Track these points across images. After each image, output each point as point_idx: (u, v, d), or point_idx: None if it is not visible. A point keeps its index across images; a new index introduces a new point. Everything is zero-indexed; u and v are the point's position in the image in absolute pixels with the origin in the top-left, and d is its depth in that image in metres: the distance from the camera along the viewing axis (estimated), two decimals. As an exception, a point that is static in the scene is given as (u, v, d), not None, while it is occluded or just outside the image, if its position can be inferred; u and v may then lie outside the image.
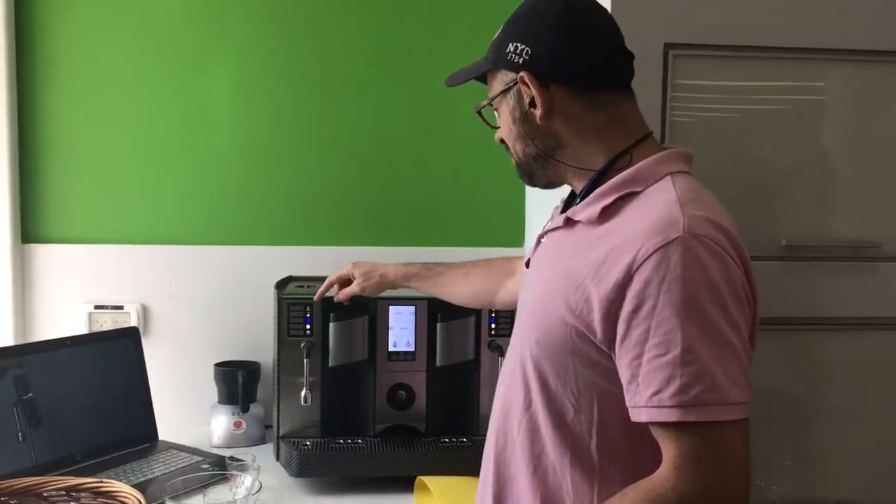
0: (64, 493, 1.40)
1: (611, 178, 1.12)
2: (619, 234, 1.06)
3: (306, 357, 1.70)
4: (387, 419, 1.77)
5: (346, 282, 1.72)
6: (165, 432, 1.90)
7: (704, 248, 1.01)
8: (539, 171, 1.21)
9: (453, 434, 1.78)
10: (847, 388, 1.55)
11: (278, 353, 1.75)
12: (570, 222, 1.16)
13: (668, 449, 1.00)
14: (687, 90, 1.48)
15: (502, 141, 1.24)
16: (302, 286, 1.85)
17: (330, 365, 1.74)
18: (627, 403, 1.03)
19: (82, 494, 1.40)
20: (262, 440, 1.95)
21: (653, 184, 1.10)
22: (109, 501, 1.38)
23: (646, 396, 1.00)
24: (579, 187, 1.18)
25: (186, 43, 2.04)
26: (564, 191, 1.26)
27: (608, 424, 1.09)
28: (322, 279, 1.87)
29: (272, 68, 2.07)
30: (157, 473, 1.71)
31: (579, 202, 1.15)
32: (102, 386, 1.83)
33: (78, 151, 2.03)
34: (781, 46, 1.48)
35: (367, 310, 1.76)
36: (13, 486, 1.38)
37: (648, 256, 1.01)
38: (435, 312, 1.77)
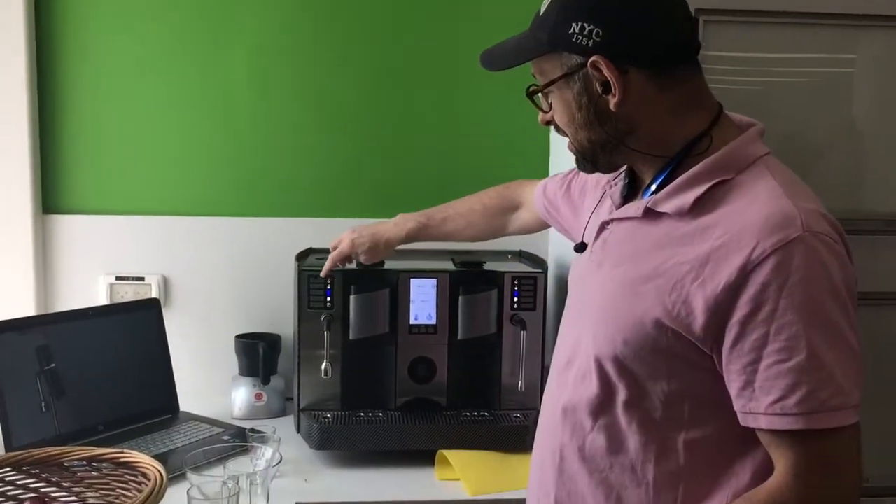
0: (85, 462, 1.40)
1: (692, 163, 1.05)
2: (722, 229, 0.99)
3: (326, 330, 1.69)
4: (408, 392, 1.76)
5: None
6: (186, 404, 1.90)
7: (825, 248, 0.96)
8: (605, 159, 1.12)
9: (475, 408, 1.76)
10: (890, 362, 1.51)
11: (299, 326, 1.73)
12: (650, 213, 1.08)
13: (786, 456, 0.97)
14: (717, 62, 1.45)
15: (548, 123, 1.15)
16: (322, 258, 1.82)
17: (350, 338, 1.72)
18: (739, 409, 0.99)
19: (103, 465, 1.40)
20: (282, 412, 1.95)
21: (745, 169, 1.03)
22: (130, 472, 1.38)
23: (765, 403, 0.96)
24: (649, 173, 1.11)
25: (208, 12, 2.01)
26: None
27: (698, 423, 1.06)
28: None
29: (294, 40, 2.04)
30: (178, 444, 1.71)
31: (656, 190, 1.07)
32: (124, 357, 1.83)
33: (99, 122, 2.02)
34: (813, 12, 1.43)
35: (389, 282, 1.74)
36: (34, 455, 1.38)
37: (766, 257, 0.95)
38: (457, 285, 1.74)
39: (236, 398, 1.94)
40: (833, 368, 0.94)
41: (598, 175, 1.27)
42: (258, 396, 1.93)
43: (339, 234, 2.00)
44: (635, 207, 1.10)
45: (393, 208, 2.03)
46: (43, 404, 1.69)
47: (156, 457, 1.61)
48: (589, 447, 1.11)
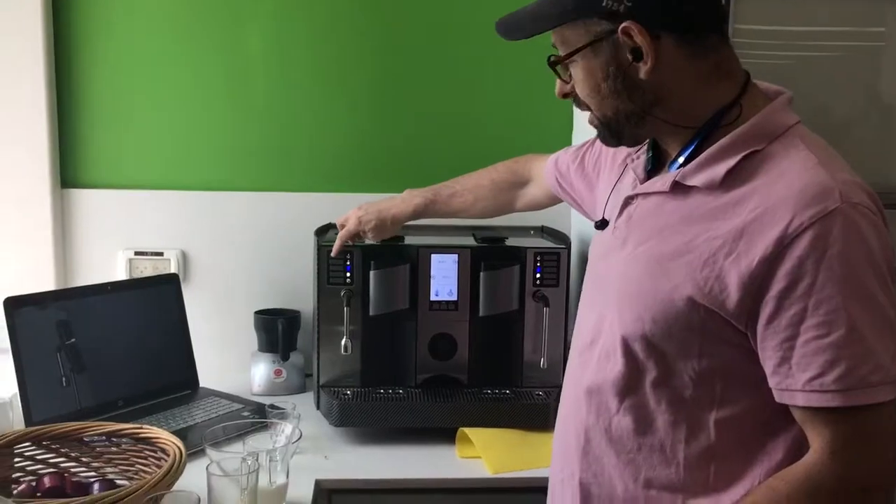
0: (104, 438, 1.40)
1: (720, 135, 1.01)
2: (755, 202, 0.96)
3: (346, 305, 1.66)
4: (428, 369, 1.74)
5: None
6: (206, 379, 1.89)
7: (863, 219, 0.93)
8: (630, 131, 1.07)
9: (496, 385, 1.74)
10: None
11: (318, 302, 1.72)
12: (678, 187, 1.04)
13: (823, 433, 0.94)
14: (745, 35, 1.41)
15: (566, 96, 1.09)
16: (342, 233, 1.81)
17: (370, 314, 1.70)
18: (774, 386, 0.97)
19: (122, 440, 1.40)
20: (302, 389, 1.94)
21: (776, 139, 1.00)
22: (149, 448, 1.37)
23: (802, 380, 0.93)
24: (675, 146, 1.07)
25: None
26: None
27: (730, 401, 1.03)
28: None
29: (313, 14, 2.01)
30: (198, 420, 1.70)
31: (683, 163, 1.04)
32: (143, 332, 1.82)
33: (118, 96, 2.00)
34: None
35: (409, 258, 1.71)
36: (54, 430, 1.38)
37: (803, 230, 0.92)
38: (478, 261, 1.71)
39: (255, 374, 1.93)
40: (873, 343, 0.92)
41: (615, 148, 1.24)
42: (277, 373, 1.92)
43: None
44: (662, 182, 1.07)
45: (413, 183, 2.01)
46: (63, 379, 1.68)
47: (175, 432, 1.60)
48: (616, 428, 1.09)
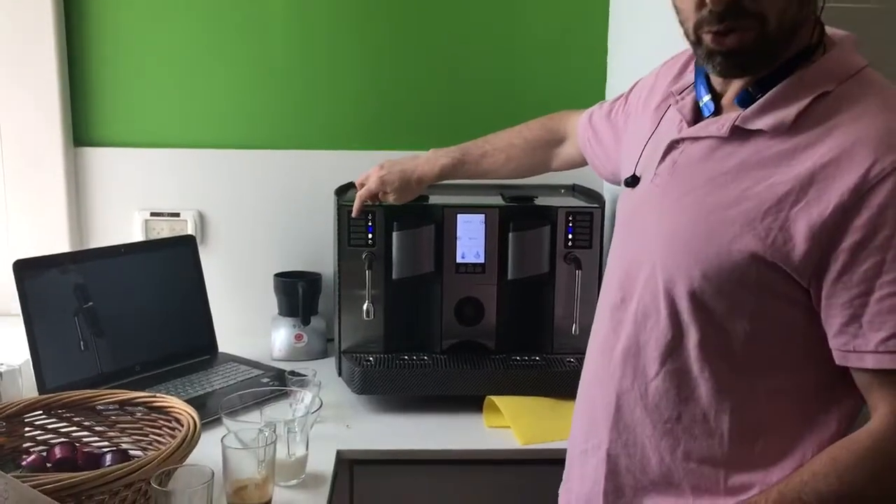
0: (117, 406, 1.34)
1: (783, 75, 0.93)
2: (828, 146, 0.88)
3: (368, 268, 1.59)
4: (454, 335, 1.66)
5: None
6: (225, 344, 1.83)
7: None
8: (770, 52, 0.93)
9: (525, 352, 1.66)
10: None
11: (339, 264, 1.64)
12: (736, 131, 0.95)
13: (891, 399, 0.87)
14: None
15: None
16: (364, 193, 1.73)
17: (394, 277, 1.63)
18: (839, 347, 0.89)
19: (136, 409, 1.34)
20: (323, 354, 1.87)
21: (846, 81, 0.91)
22: (163, 417, 1.31)
23: (875, 340, 0.86)
24: (734, 86, 0.98)
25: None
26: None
27: (783, 367, 0.95)
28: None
29: (331, -43, 1.91)
30: (217, 387, 1.65)
31: (741, 102, 0.95)
32: (160, 296, 1.76)
33: (133, 51, 1.92)
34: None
35: (434, 218, 1.63)
36: (65, 398, 1.33)
37: (885, 176, 0.84)
38: (507, 221, 1.63)
39: (276, 339, 1.87)
40: None
41: (646, 96, 1.17)
42: (298, 337, 1.86)
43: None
44: (718, 125, 0.98)
45: (438, 140, 1.92)
46: (82, 343, 1.63)
47: (192, 399, 1.56)
48: (653, 394, 1.01)
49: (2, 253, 1.84)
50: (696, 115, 1.03)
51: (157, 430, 1.32)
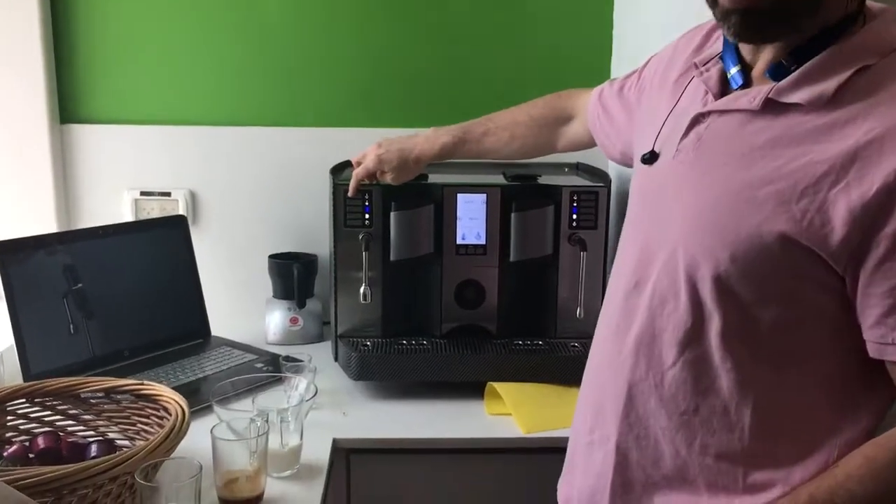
0: (103, 394, 1.29)
1: (819, 48, 0.87)
2: (871, 122, 0.82)
3: (365, 250, 1.53)
4: (454, 319, 1.61)
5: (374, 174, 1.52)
6: (218, 328, 1.78)
7: None
8: (790, 15, 0.87)
9: (528, 336, 1.61)
10: None
11: (334, 246, 1.58)
12: (769, 104, 0.89)
13: None
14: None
15: None
16: (361, 171, 1.67)
17: (391, 259, 1.57)
18: (875, 339, 0.84)
19: (122, 396, 1.29)
20: (319, 338, 1.82)
21: (889, 54, 0.85)
22: (151, 405, 1.26)
23: None
24: (765, 56, 0.92)
25: None
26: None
27: (811, 358, 0.89)
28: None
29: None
30: (209, 372, 1.59)
31: (772, 75, 0.89)
32: (150, 278, 1.70)
33: (122, 24, 1.84)
34: None
35: (433, 198, 1.57)
36: (49, 386, 1.27)
37: None
38: (509, 201, 1.57)
39: (270, 322, 1.81)
40: None
41: (663, 70, 1.10)
42: (293, 321, 1.80)
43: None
44: (749, 98, 0.91)
45: (439, 116, 1.86)
46: (72, 326, 1.57)
47: (183, 385, 1.51)
48: (669, 384, 0.95)
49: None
50: (724, 88, 0.97)
51: (145, 419, 1.27)
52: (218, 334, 1.77)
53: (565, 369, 1.54)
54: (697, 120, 0.97)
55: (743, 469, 0.92)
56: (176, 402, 1.20)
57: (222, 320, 1.80)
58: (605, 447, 1.02)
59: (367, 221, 1.56)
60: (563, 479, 1.15)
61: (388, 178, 1.50)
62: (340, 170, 1.67)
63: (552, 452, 1.40)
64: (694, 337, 0.93)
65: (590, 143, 1.44)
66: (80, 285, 1.60)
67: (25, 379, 1.46)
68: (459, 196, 1.56)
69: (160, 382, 1.50)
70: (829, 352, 0.89)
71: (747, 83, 0.94)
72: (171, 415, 1.17)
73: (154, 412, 1.25)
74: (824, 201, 0.82)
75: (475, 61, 1.91)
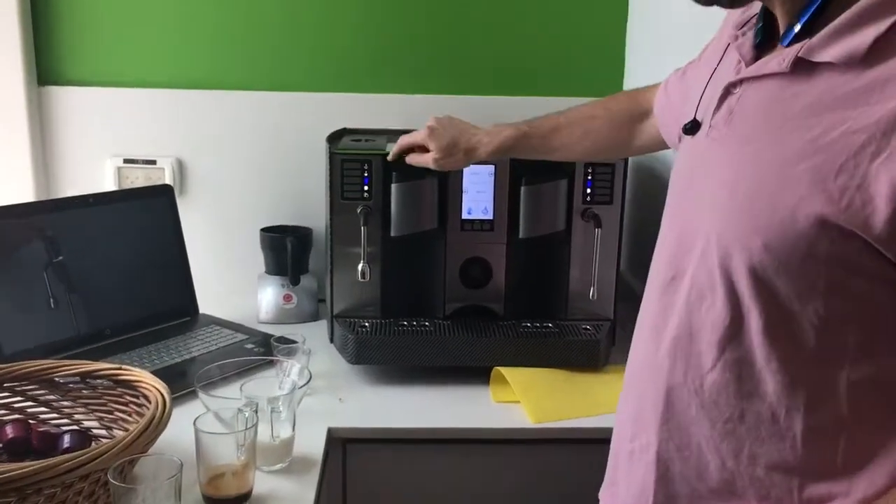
0: (79, 378, 1.19)
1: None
2: None
3: (364, 224, 1.42)
4: (459, 298, 1.51)
5: (422, 147, 1.36)
6: (207, 305, 1.67)
7: None
8: None
9: (537, 318, 1.50)
10: None
11: (331, 219, 1.47)
12: (802, 66, 0.78)
13: None
14: None
15: None
16: (358, 140, 1.56)
17: (392, 234, 1.46)
18: None
19: (98, 382, 1.18)
20: (314, 316, 1.72)
21: None
22: (129, 392, 1.16)
23: None
24: (790, 11, 0.81)
25: None
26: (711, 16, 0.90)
27: (867, 357, 0.78)
28: (382, 132, 1.58)
29: None
30: (195, 353, 1.49)
31: (803, 33, 0.78)
32: (134, 252, 1.59)
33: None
34: None
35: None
36: (19, 369, 1.17)
37: None
38: (518, 173, 1.46)
39: (262, 300, 1.71)
40: None
41: (717, 41, 0.99)
42: (287, 298, 1.70)
43: (379, 113, 1.74)
44: (778, 59, 0.80)
45: (444, 83, 1.76)
46: (52, 300, 1.47)
47: (168, 368, 1.41)
48: (710, 389, 0.85)
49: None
50: (759, 54, 0.86)
51: (123, 407, 1.16)
52: (207, 312, 1.67)
53: (577, 353, 1.44)
54: (728, 91, 0.86)
55: (798, 481, 0.82)
56: (156, 389, 1.09)
57: (211, 297, 1.69)
58: (646, 457, 0.93)
59: (366, 194, 1.45)
60: (605, 490, 1.04)
61: (431, 159, 1.33)
62: (337, 138, 1.56)
63: (562, 443, 1.33)
64: (733, 336, 0.83)
65: (664, 146, 1.26)
66: (60, 258, 1.50)
67: (-2, 361, 1.35)
68: (465, 167, 1.45)
69: (142, 364, 1.43)
70: (889, 348, 0.78)
71: (772, 45, 0.83)
72: (150, 403, 1.07)
73: (133, 399, 1.15)
74: (865, 176, 0.71)
75: (481, 28, 1.79)
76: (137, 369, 1.16)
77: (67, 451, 1.09)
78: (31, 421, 1.16)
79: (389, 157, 1.40)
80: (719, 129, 0.86)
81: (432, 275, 1.51)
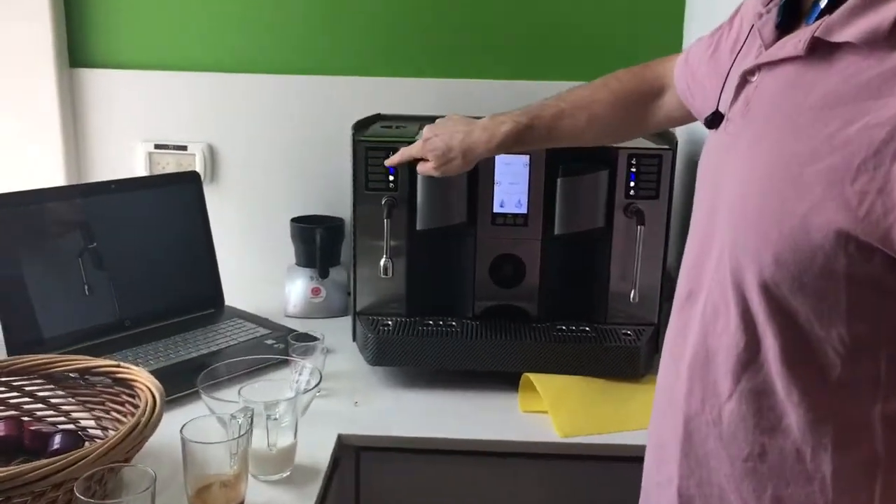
0: (78, 374, 1.13)
1: None
2: None
3: (387, 217, 1.33)
4: (489, 297, 1.41)
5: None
6: (236, 296, 1.61)
7: None
8: None
9: (572, 320, 1.39)
10: None
11: (354, 211, 1.39)
12: (820, 47, 0.68)
13: None
14: None
15: None
16: (389, 126, 1.47)
17: (418, 228, 1.37)
18: None
19: (97, 379, 1.13)
20: (344, 311, 1.64)
21: None
22: (126, 391, 1.10)
23: None
24: None
25: None
26: None
27: None
28: (416, 119, 1.49)
29: None
30: (214, 348, 1.43)
31: (827, 9, 0.68)
32: (160, 240, 1.54)
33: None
34: None
35: (468, 158, 1.36)
36: (17, 363, 1.12)
37: None
38: (555, 164, 1.35)
39: (291, 292, 1.64)
40: None
41: (750, 17, 0.85)
42: (315, 291, 1.63)
43: (417, 96, 1.65)
44: (795, 41, 0.70)
45: (484, 67, 1.66)
46: (86, 287, 1.44)
47: (184, 363, 1.36)
48: (729, 421, 0.74)
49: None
50: (782, 35, 0.74)
51: (120, 407, 1.10)
52: (234, 304, 1.61)
53: (615, 362, 1.33)
54: (745, 79, 0.76)
55: None
56: (149, 391, 1.03)
57: (241, 288, 1.64)
58: (669, 491, 0.83)
59: (391, 184, 1.37)
60: None
61: (431, 169, 1.24)
62: (365, 125, 1.47)
63: (592, 460, 1.22)
64: (749, 361, 0.72)
65: (687, 118, 1.15)
66: (94, 244, 1.46)
67: (9, 353, 1.32)
68: (498, 157, 1.35)
69: (157, 359, 1.38)
70: None
71: (795, 25, 0.71)
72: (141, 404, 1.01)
73: (129, 399, 1.09)
74: (887, 178, 0.60)
75: (525, 16, 1.67)
76: (135, 368, 1.10)
77: (56, 452, 1.04)
78: (25, 418, 1.11)
79: (387, 163, 1.33)
80: (736, 123, 0.76)
81: (461, 272, 1.41)
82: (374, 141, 1.37)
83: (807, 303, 0.68)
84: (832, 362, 0.69)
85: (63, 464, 0.87)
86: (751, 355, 0.72)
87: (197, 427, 0.99)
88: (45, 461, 0.87)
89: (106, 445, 0.90)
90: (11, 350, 1.31)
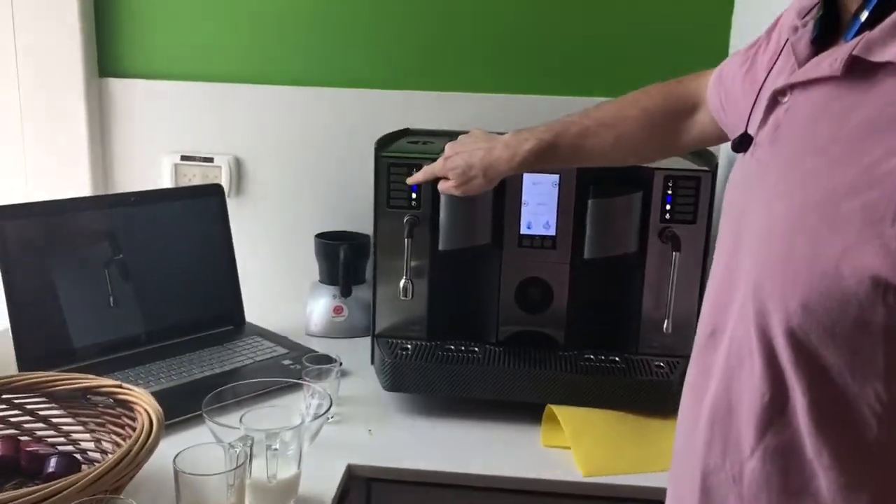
0: (80, 394, 1.10)
1: None
2: None
3: (408, 236, 1.28)
4: (514, 322, 1.34)
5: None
6: (254, 314, 1.57)
7: None
8: None
9: (601, 350, 1.32)
10: None
11: (376, 229, 1.34)
12: (859, 67, 0.61)
13: None
14: None
15: None
16: (416, 142, 1.42)
17: (440, 248, 1.31)
18: None
19: (99, 399, 1.09)
20: (367, 331, 1.57)
21: None
22: (127, 413, 1.06)
23: None
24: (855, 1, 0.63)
25: None
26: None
27: None
28: (445, 134, 1.43)
29: None
30: (228, 367, 1.39)
31: (867, 26, 0.61)
32: (180, 253, 1.51)
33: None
34: None
35: (495, 177, 1.29)
36: (18, 380, 1.09)
37: None
38: (586, 184, 1.28)
39: (313, 310, 1.59)
40: None
41: (787, 30, 0.78)
42: (337, 310, 1.58)
43: (449, 110, 1.60)
44: (831, 60, 0.62)
45: (525, 82, 1.60)
46: (111, 298, 1.42)
47: (195, 382, 1.32)
48: (750, 480, 0.67)
49: (20, 197, 1.63)
50: (818, 52, 0.67)
51: (120, 430, 1.06)
52: (255, 320, 1.57)
53: (645, 395, 1.25)
54: (776, 100, 0.68)
55: None
56: (147, 413, 0.99)
57: (264, 304, 1.60)
58: None
59: (413, 202, 1.31)
60: None
61: (452, 188, 1.19)
62: (391, 140, 1.41)
63: (615, 502, 1.14)
64: (775, 416, 0.65)
65: (724, 137, 1.06)
66: (120, 255, 1.44)
67: (21, 368, 1.29)
68: (526, 176, 1.28)
69: (169, 377, 1.34)
70: None
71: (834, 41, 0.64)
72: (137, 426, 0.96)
73: (129, 422, 1.05)
74: None
75: (567, 17, 1.61)
76: (137, 389, 1.06)
77: (52, 475, 1.00)
78: (22, 438, 1.08)
79: (409, 181, 1.27)
80: (765, 149, 0.69)
81: (485, 295, 1.35)
82: (396, 157, 1.32)
83: (839, 355, 0.60)
84: (868, 422, 0.61)
85: (49, 492, 0.83)
86: (777, 409, 0.64)
87: (194, 455, 0.94)
88: (28, 490, 0.83)
89: (94, 474, 0.86)
90: (37, 362, 1.28)
